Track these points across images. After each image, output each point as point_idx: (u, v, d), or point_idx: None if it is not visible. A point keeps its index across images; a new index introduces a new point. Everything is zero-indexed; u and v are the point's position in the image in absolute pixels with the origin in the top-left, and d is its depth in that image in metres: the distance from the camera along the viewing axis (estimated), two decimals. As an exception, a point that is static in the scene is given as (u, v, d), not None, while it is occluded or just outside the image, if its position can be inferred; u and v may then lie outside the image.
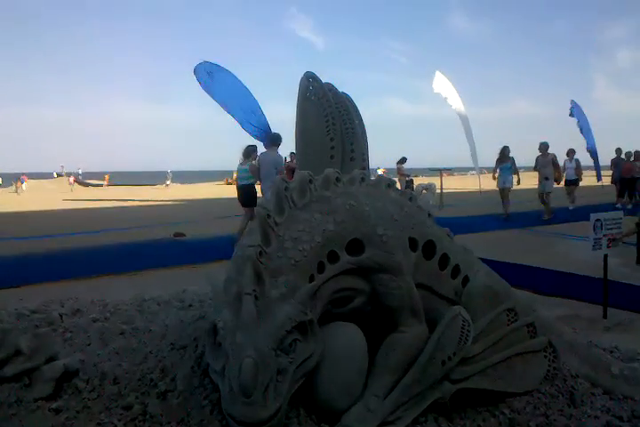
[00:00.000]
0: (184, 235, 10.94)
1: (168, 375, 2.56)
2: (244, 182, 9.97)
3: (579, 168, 15.33)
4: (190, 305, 4.75)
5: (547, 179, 13.43)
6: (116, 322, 4.31)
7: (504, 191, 13.72)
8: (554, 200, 14.12)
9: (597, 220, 4.85)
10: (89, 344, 3.82)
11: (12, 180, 39.87)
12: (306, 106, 3.06)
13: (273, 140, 9.53)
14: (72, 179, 43.98)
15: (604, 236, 4.87)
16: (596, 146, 18.95)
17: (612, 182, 17.07)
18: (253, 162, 9.83)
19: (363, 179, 2.82)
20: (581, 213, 13.66)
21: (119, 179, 58.82)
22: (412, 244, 2.73)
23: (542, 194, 13.59)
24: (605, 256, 5.02)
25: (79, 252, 9.40)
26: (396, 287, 2.56)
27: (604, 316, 5.00)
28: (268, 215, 2.37)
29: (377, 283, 2.55)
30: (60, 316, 4.52)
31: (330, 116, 3.02)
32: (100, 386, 2.59)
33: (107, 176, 55.53)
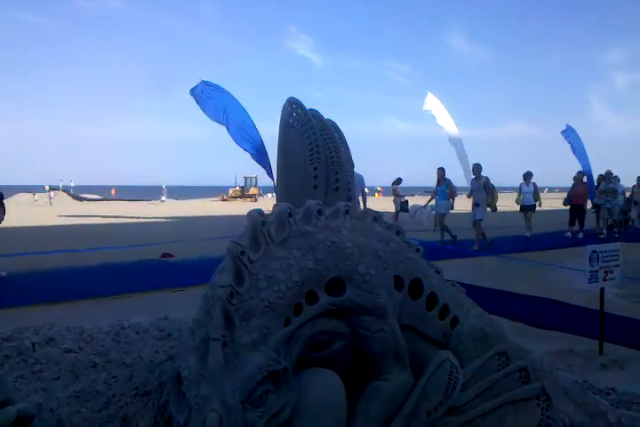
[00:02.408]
0: (172, 255, 10.66)
1: (129, 426, 2.36)
2: None
3: (536, 192, 14.61)
4: (170, 335, 4.56)
5: (477, 205, 12.34)
6: (89, 353, 4.12)
7: (439, 217, 12.99)
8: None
9: (594, 251, 4.68)
10: (57, 378, 3.63)
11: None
12: (288, 133, 2.89)
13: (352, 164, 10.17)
14: (52, 193, 42.90)
15: (600, 268, 4.70)
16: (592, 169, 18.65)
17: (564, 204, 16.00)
18: None
19: (347, 211, 2.65)
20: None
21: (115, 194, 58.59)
22: (398, 282, 2.56)
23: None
24: (602, 290, 4.85)
25: (59, 273, 9.11)
26: (378, 330, 2.37)
27: (600, 352, 4.81)
28: (242, 252, 2.18)
29: (358, 325, 2.37)
30: (33, 345, 4.32)
31: (314, 144, 2.85)
32: (56, 435, 2.39)
33: (114, 190, 55.53)
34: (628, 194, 16.69)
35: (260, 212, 2.35)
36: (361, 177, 11.23)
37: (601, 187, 15.59)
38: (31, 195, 44.67)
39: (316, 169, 2.87)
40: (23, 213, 26.62)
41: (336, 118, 3.15)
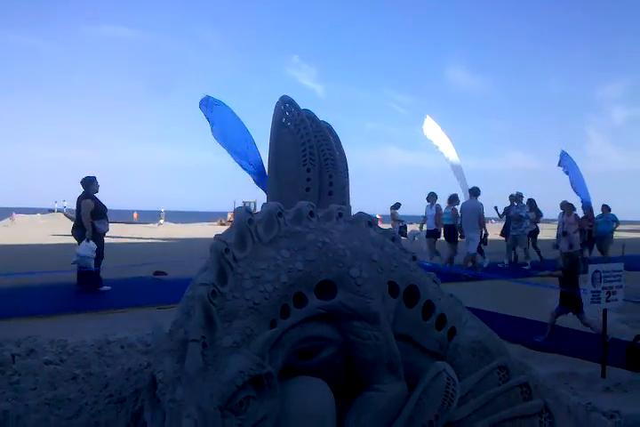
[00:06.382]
0: (165, 273, 10.55)
1: (100, 434, 2.20)
2: (448, 222, 12.53)
3: (438, 216, 12.75)
4: (155, 349, 4.39)
5: None
6: (70, 366, 3.95)
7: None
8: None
9: (596, 271, 4.55)
10: (34, 389, 3.46)
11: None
12: (281, 133, 2.78)
13: (474, 192, 12.17)
14: (14, 214, 42.14)
15: (602, 288, 4.56)
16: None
17: (500, 234, 14.83)
18: (456, 207, 12.53)
19: (340, 214, 2.53)
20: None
21: (112, 217, 58.00)
22: (393, 288, 2.42)
23: None
24: (605, 311, 4.69)
25: (49, 287, 8.99)
26: (370, 337, 2.23)
27: (603, 375, 4.64)
28: (227, 249, 2.05)
29: (349, 332, 2.22)
30: (13, 357, 4.15)
31: (307, 145, 2.74)
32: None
33: (135, 214, 55.37)
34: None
35: (247, 209, 2.24)
36: (480, 204, 11.97)
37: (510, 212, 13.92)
38: (29, 216, 44.43)
39: (309, 171, 2.75)
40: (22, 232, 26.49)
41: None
